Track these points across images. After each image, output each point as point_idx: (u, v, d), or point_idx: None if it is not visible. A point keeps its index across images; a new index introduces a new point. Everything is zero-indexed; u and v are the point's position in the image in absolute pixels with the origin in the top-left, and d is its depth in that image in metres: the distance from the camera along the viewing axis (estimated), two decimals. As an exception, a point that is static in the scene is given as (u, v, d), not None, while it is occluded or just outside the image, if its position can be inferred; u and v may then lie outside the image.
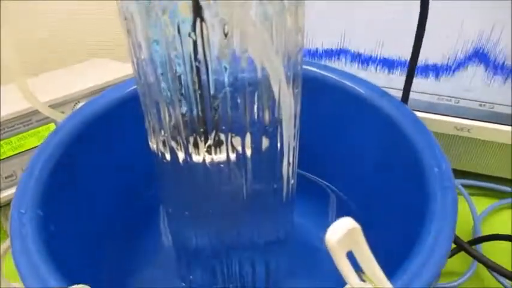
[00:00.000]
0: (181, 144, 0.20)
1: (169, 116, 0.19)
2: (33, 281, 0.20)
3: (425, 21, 0.27)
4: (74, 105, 0.37)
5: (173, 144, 0.20)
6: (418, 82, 0.36)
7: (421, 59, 0.35)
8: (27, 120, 0.35)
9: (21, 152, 0.35)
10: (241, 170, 0.21)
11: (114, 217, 0.30)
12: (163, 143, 0.21)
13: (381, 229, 0.22)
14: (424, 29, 0.27)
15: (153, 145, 0.22)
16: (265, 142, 0.20)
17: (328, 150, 0.32)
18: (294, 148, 0.22)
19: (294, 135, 0.21)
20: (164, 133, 0.20)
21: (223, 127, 0.19)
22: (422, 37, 0.27)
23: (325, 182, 0.34)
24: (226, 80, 0.18)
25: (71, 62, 0.45)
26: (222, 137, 0.20)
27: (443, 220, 0.21)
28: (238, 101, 0.19)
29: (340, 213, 0.32)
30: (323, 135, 0.31)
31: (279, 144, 0.21)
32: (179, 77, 0.18)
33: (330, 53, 0.38)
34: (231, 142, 0.20)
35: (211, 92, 0.18)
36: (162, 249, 0.32)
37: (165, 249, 0.32)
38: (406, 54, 0.36)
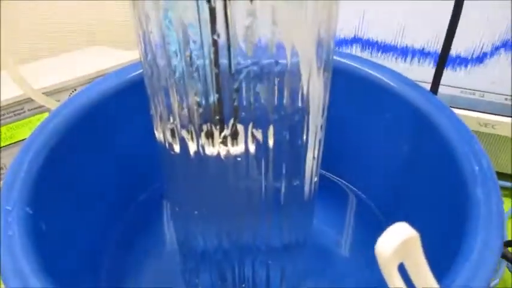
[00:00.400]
0: (193, 134, 0.18)
1: (180, 100, 0.17)
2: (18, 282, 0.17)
3: (461, 10, 0.24)
4: (71, 94, 0.35)
5: (183, 133, 0.18)
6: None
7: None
8: (19, 109, 0.33)
9: (12, 143, 0.33)
10: (260, 165, 0.18)
11: (113, 215, 0.28)
12: (172, 132, 0.18)
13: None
14: (459, 18, 0.24)
15: (159, 135, 0.19)
16: (289, 133, 0.18)
17: (348, 146, 0.29)
18: (320, 141, 0.19)
19: (321, 127, 0.19)
20: (173, 120, 0.18)
21: (243, 113, 0.17)
22: (456, 26, 0.25)
23: (344, 181, 0.32)
24: (249, 59, 0.15)
25: (68, 49, 0.42)
26: (241, 126, 0.17)
27: (490, 226, 0.18)
28: (262, 83, 0.16)
29: (359, 215, 0.31)
30: (342, 130, 0.29)
31: (304, 136, 0.18)
32: (194, 53, 0.15)
33: (344, 42, 0.36)
34: (251, 132, 0.17)
35: (232, 71, 0.15)
36: (164, 251, 0.29)
37: (168, 250, 0.29)
38: (426, 44, 0.34)
